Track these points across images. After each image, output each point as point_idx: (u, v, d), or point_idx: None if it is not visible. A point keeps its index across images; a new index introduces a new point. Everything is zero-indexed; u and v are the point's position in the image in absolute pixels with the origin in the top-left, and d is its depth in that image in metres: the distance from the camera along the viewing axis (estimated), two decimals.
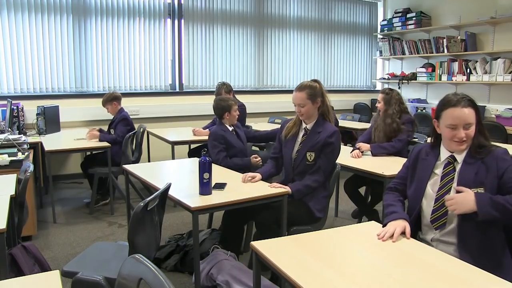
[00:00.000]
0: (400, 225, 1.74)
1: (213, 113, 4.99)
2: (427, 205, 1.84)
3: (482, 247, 1.69)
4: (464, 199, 1.63)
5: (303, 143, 2.65)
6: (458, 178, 1.76)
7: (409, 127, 3.51)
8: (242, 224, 2.89)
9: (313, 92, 2.57)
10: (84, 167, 4.35)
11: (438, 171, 1.85)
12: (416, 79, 6.57)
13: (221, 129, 3.28)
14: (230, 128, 3.33)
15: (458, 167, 1.79)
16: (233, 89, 4.69)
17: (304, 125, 2.68)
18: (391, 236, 1.69)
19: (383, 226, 1.79)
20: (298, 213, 2.57)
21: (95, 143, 4.09)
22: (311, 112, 2.61)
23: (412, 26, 6.53)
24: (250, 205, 2.37)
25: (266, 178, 2.71)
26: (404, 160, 3.25)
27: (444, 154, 1.84)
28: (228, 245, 2.76)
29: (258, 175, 2.63)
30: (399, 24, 6.77)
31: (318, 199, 2.64)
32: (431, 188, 1.84)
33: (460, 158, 1.79)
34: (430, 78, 6.32)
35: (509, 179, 1.68)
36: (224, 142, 3.21)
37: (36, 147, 4.16)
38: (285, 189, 2.47)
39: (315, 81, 2.65)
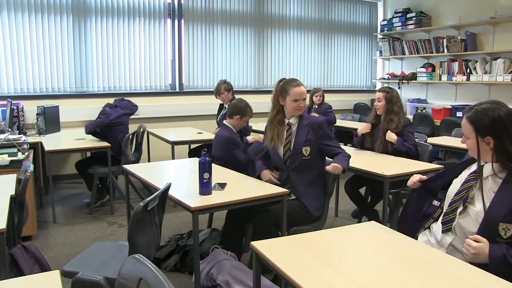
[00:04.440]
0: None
1: (212, 113, 5.06)
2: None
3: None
4: (480, 252, 1.63)
5: (294, 138, 2.66)
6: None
7: (410, 129, 3.47)
8: (243, 224, 2.89)
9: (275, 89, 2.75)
10: (81, 168, 4.34)
11: (462, 174, 1.87)
12: (416, 79, 6.57)
13: (227, 132, 3.23)
14: (235, 131, 3.33)
15: (484, 180, 1.76)
16: (233, 89, 4.70)
17: (286, 121, 2.72)
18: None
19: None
20: (295, 214, 2.57)
21: (95, 143, 4.09)
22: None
23: (412, 26, 6.53)
24: (251, 205, 2.38)
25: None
26: (404, 160, 3.26)
27: (486, 169, 1.78)
28: (229, 245, 2.77)
29: (273, 174, 2.76)
30: (399, 24, 6.77)
31: (314, 198, 2.65)
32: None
33: (487, 171, 1.76)
34: (430, 78, 6.32)
35: None
36: (234, 142, 3.18)
37: (36, 147, 4.16)
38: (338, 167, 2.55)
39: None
